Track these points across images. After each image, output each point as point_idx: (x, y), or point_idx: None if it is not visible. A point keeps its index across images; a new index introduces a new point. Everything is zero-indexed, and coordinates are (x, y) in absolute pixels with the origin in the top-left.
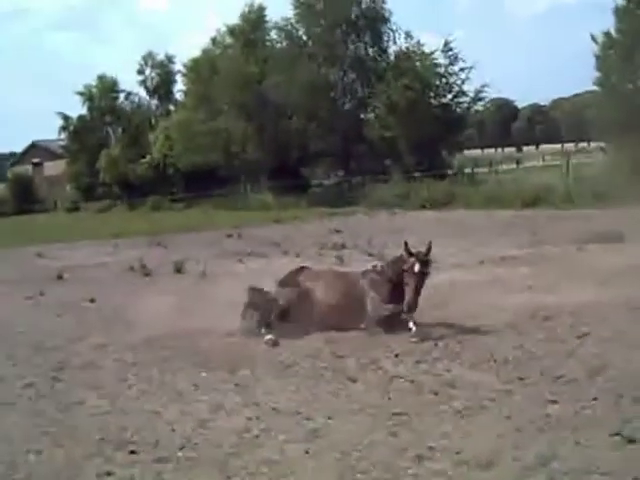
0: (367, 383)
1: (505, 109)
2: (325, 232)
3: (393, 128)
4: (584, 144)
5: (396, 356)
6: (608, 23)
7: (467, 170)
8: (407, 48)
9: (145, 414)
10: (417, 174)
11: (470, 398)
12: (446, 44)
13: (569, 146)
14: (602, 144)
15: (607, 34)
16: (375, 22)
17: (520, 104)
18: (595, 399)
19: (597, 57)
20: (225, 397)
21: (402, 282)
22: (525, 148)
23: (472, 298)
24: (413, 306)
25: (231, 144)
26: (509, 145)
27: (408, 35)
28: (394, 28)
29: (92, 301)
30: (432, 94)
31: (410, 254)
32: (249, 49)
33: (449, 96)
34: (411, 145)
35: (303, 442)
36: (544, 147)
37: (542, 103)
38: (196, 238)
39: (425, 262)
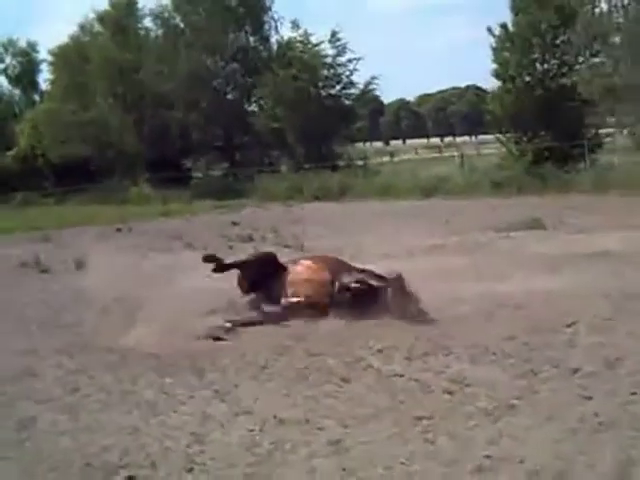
0: (364, 384)
1: (372, 104)
2: (222, 225)
3: (281, 119)
4: (449, 138)
5: (380, 351)
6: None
7: (359, 162)
8: (294, 38)
9: (122, 430)
10: (307, 166)
11: (492, 397)
12: (333, 34)
13: (435, 140)
14: (500, 136)
15: (504, 27)
16: (256, 10)
17: (386, 99)
18: (634, 393)
19: (494, 49)
20: (208, 406)
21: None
22: (392, 142)
23: (424, 289)
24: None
25: (106, 135)
26: (377, 139)
27: (295, 24)
28: (275, 17)
29: None
30: (320, 84)
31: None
32: (122, 37)
33: (337, 87)
34: (300, 137)
35: (331, 456)
36: (411, 142)
37: (408, 99)
38: (82, 233)
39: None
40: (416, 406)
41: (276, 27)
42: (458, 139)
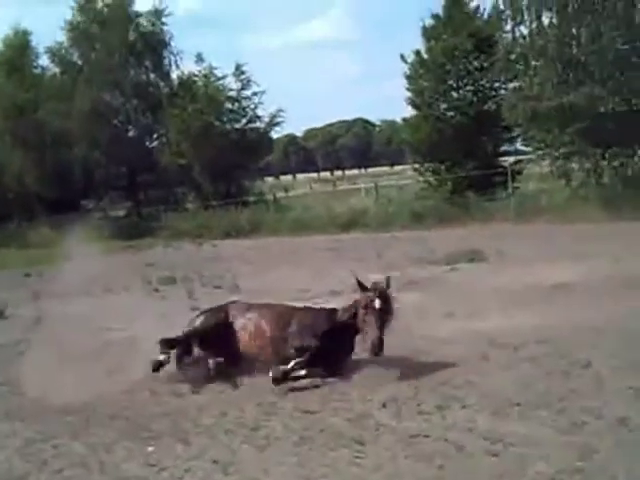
0: (385, 447)
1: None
2: (136, 266)
3: (187, 155)
4: (339, 172)
5: (384, 406)
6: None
7: (268, 197)
8: (198, 71)
9: None
10: (215, 202)
11: (549, 459)
12: (237, 68)
13: (325, 174)
14: (417, 166)
15: (417, 53)
16: (155, 46)
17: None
18: None
19: (408, 77)
20: None
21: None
22: (282, 177)
23: (398, 329)
24: (379, 345)
25: (5, 177)
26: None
27: (199, 58)
28: (175, 52)
29: None
30: (225, 119)
31: (365, 288)
32: (18, 76)
33: (243, 121)
34: (207, 173)
35: None
36: (301, 176)
37: (296, 134)
38: None
39: (386, 297)
40: (463, 473)
41: (176, 62)
42: (347, 172)
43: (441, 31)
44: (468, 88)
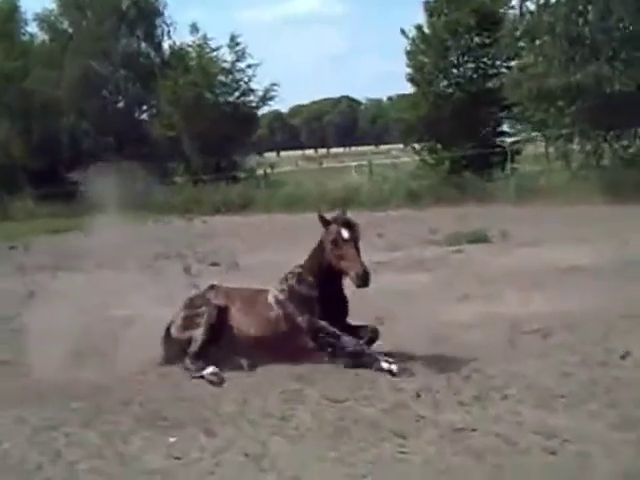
0: (430, 441)
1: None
2: (127, 240)
3: (177, 127)
4: (324, 150)
5: (418, 396)
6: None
7: (259, 172)
8: (193, 42)
9: None
10: (205, 177)
11: (611, 456)
12: (232, 39)
13: (309, 152)
14: (416, 145)
15: (419, 28)
16: (148, 15)
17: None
18: None
19: (408, 53)
20: (248, 477)
21: (331, 285)
22: (266, 154)
23: (410, 314)
24: (364, 275)
25: None
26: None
27: (194, 28)
28: (168, 22)
29: None
30: (218, 91)
31: (327, 222)
32: (6, 43)
33: (236, 94)
34: (198, 146)
35: None
36: (285, 154)
37: (282, 110)
38: None
39: (351, 224)
40: (523, 474)
41: (169, 32)
42: (332, 150)
43: (443, 6)
44: (469, 65)
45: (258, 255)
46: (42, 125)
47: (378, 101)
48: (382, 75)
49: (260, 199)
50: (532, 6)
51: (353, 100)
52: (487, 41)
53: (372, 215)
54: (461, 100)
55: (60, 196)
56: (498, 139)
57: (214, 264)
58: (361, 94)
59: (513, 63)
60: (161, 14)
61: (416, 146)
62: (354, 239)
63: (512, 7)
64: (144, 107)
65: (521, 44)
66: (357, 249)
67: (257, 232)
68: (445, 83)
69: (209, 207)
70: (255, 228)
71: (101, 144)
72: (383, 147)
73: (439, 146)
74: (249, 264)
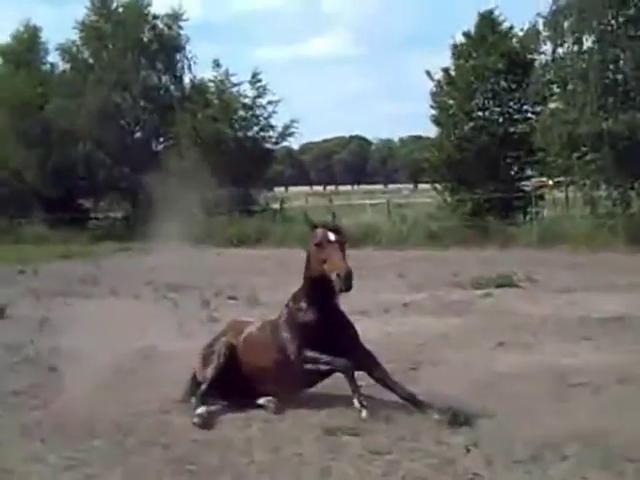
0: None
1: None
2: (138, 269)
3: (197, 160)
4: (332, 187)
5: (468, 451)
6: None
7: (274, 207)
8: (215, 77)
9: None
10: (220, 209)
11: None
12: (254, 75)
13: (317, 188)
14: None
15: (446, 70)
16: (169, 49)
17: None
18: None
19: (433, 94)
20: None
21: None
22: (275, 189)
23: (446, 360)
24: (347, 277)
25: (4, 171)
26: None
27: (216, 63)
28: (189, 56)
29: None
30: (238, 126)
31: (314, 226)
32: (26, 71)
33: (255, 129)
34: (214, 178)
35: None
36: (294, 189)
37: (293, 146)
38: None
39: (337, 229)
40: None
41: (189, 66)
42: (341, 188)
43: (471, 49)
44: (495, 109)
45: (279, 291)
46: (59, 153)
47: (389, 141)
48: (393, 117)
49: (276, 233)
50: (562, 51)
51: (364, 140)
52: (513, 85)
53: (391, 254)
54: (486, 143)
55: (72, 222)
56: (521, 183)
57: (232, 298)
58: (372, 134)
59: (540, 108)
60: (182, 48)
61: (438, 186)
62: (340, 242)
63: (542, 52)
64: (161, 139)
65: (552, 89)
66: (342, 252)
67: (276, 266)
68: (470, 125)
69: (223, 239)
70: (274, 262)
71: (117, 173)
72: (392, 186)
73: (462, 188)
74: (270, 300)
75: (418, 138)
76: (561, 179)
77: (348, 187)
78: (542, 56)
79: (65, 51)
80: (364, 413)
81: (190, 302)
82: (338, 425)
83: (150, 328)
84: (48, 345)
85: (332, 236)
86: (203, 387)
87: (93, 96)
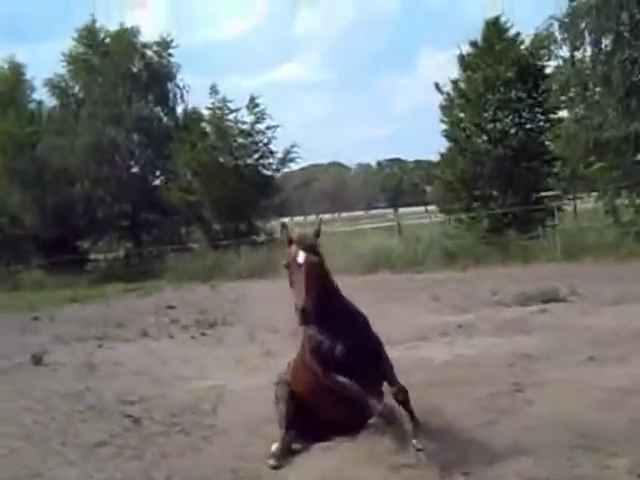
0: None
1: None
2: (156, 309)
3: (196, 192)
4: (310, 217)
5: None
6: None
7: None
8: (212, 104)
9: None
10: (225, 242)
11: None
12: (252, 100)
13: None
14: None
15: (454, 82)
16: (161, 78)
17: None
18: None
19: (443, 108)
20: None
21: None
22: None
23: (549, 379)
24: (302, 311)
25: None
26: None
27: (214, 90)
28: (181, 85)
29: None
30: (237, 154)
31: (289, 241)
32: (14, 110)
33: (255, 156)
34: (216, 210)
35: None
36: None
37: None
38: None
39: (311, 247)
40: None
41: (182, 96)
42: (323, 216)
43: (479, 60)
44: (507, 120)
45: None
46: (55, 193)
47: (367, 166)
48: (367, 140)
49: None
50: (579, 55)
51: (342, 165)
52: (524, 95)
53: (412, 277)
54: (501, 155)
55: (69, 265)
56: (539, 195)
57: (274, 331)
58: (347, 159)
59: (556, 116)
60: (174, 77)
61: (449, 206)
62: (309, 264)
63: (559, 56)
64: (157, 172)
65: (570, 95)
66: (308, 278)
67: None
68: (485, 138)
69: (232, 273)
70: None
71: (116, 211)
72: (373, 212)
73: (476, 204)
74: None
75: (396, 161)
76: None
77: (328, 215)
78: (558, 60)
79: (54, 86)
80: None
81: (233, 337)
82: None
83: (205, 367)
84: (107, 391)
85: (301, 258)
86: (280, 428)
87: (87, 132)
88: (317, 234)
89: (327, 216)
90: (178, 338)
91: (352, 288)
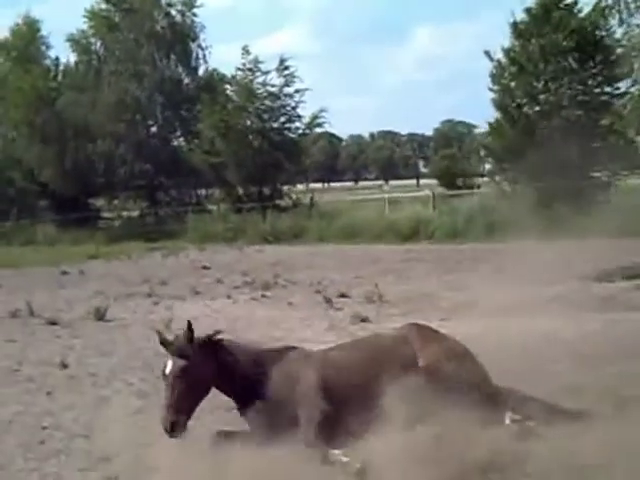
0: None
1: None
2: (193, 269)
3: (222, 154)
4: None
5: None
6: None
7: (304, 201)
8: (243, 64)
9: None
10: (248, 205)
11: None
12: (281, 62)
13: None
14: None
15: (508, 51)
16: (184, 38)
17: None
18: None
19: (493, 76)
20: None
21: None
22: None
23: None
24: (165, 425)
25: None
26: None
27: (246, 51)
28: (204, 45)
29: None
30: (266, 117)
31: (166, 344)
32: (31, 65)
33: (282, 119)
34: (242, 173)
35: None
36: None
37: None
38: (22, 278)
39: (182, 353)
40: None
41: (204, 57)
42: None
43: (533, 28)
44: (563, 90)
45: (391, 285)
46: (75, 150)
47: (359, 137)
48: (359, 111)
49: (313, 229)
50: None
51: (333, 136)
52: (581, 65)
53: (455, 248)
54: (553, 128)
55: (81, 222)
56: (593, 169)
57: (343, 295)
58: (339, 130)
59: (621, 89)
60: (197, 37)
61: (497, 177)
62: (175, 375)
63: (626, 24)
64: (177, 133)
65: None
66: (173, 390)
67: (343, 262)
68: (537, 109)
69: (256, 236)
70: (335, 258)
71: (137, 170)
72: (363, 183)
73: (524, 176)
74: (398, 295)
75: (388, 133)
76: None
77: (318, 185)
78: (625, 28)
79: (75, 42)
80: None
81: (301, 300)
82: None
83: (299, 330)
84: None
85: (168, 368)
86: None
87: (109, 89)
88: (189, 335)
89: (317, 185)
90: (237, 299)
91: (399, 260)
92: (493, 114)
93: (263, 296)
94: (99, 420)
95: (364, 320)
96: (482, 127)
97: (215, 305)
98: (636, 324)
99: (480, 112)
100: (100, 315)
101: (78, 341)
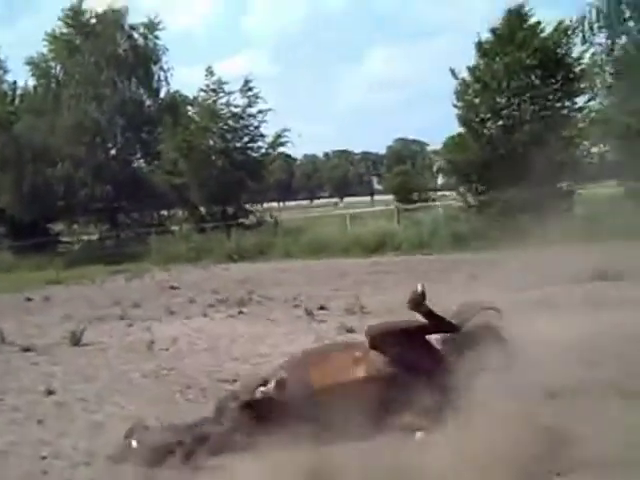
0: None
1: None
2: (162, 290)
3: (184, 174)
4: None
5: None
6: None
7: (268, 219)
8: (206, 86)
9: None
10: (211, 225)
11: None
12: (246, 83)
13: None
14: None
15: (473, 69)
16: (146, 60)
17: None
18: None
19: (457, 93)
20: None
21: None
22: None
23: None
24: None
25: None
26: None
27: (209, 72)
28: (166, 67)
29: None
30: (229, 137)
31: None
32: None
33: (245, 139)
34: (205, 193)
35: None
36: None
37: None
38: None
39: None
40: None
41: (166, 78)
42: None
43: (499, 47)
44: (525, 106)
45: (372, 297)
46: (34, 174)
47: (313, 157)
48: (310, 133)
49: (278, 245)
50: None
51: (288, 156)
52: (543, 82)
53: (425, 259)
54: (516, 142)
55: (38, 248)
56: (555, 181)
57: (322, 308)
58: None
59: (583, 102)
60: (159, 60)
61: (461, 189)
62: None
63: (597, 44)
64: (138, 155)
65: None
66: None
67: (314, 277)
68: (500, 124)
69: (221, 255)
70: (304, 273)
71: (97, 193)
72: (318, 201)
73: (485, 189)
74: (373, 307)
75: (343, 152)
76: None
77: (274, 204)
78: (588, 47)
79: (36, 66)
80: None
81: (280, 315)
82: None
83: (284, 345)
84: (190, 370)
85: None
86: None
87: (68, 112)
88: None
89: (274, 204)
90: (214, 317)
91: (366, 272)
92: (453, 130)
93: (240, 312)
94: (97, 446)
95: (350, 331)
96: (434, 144)
97: (193, 324)
98: (626, 320)
99: (433, 130)
100: (76, 340)
101: (58, 367)
